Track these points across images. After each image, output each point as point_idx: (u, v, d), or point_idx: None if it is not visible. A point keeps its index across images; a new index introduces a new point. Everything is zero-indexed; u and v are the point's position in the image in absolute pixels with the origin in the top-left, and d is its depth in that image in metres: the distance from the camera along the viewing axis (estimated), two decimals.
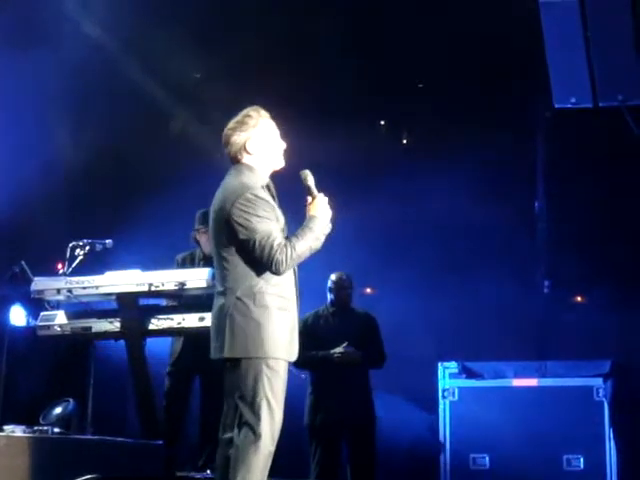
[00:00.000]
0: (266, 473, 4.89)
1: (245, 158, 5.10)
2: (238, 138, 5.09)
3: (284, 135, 5.20)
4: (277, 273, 4.92)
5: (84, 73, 9.43)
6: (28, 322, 7.16)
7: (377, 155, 10.68)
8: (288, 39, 9.63)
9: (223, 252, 5.00)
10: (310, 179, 5.13)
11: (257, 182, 5.03)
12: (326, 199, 5.11)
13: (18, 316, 7.27)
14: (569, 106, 7.99)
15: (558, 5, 7.62)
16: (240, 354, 4.90)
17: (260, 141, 5.09)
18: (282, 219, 5.06)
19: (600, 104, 7.86)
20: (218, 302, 5.01)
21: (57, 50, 9.07)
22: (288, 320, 4.98)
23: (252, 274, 4.94)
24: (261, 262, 4.91)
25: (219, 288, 5.03)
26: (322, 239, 5.05)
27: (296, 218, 5.15)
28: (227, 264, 4.98)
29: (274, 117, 5.18)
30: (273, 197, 5.10)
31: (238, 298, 4.92)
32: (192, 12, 9.38)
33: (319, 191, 5.13)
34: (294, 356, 5.04)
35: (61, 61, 9.06)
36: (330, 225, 5.08)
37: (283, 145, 5.17)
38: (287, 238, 4.97)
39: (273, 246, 4.87)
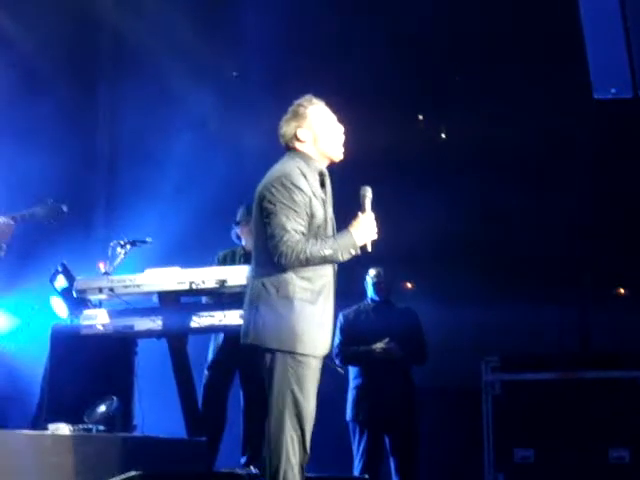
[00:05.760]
0: (295, 462, 4.73)
1: (298, 146, 5.04)
2: (288, 128, 5.05)
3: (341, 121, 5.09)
4: (279, 264, 4.80)
5: None
6: (71, 320, 7.18)
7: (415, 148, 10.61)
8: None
9: (258, 235, 4.96)
10: (368, 196, 5.00)
11: (304, 169, 4.95)
12: (372, 219, 4.97)
13: (60, 309, 7.24)
14: (609, 97, 7.91)
15: None
16: (261, 343, 4.82)
17: (311, 129, 5.03)
18: (320, 212, 4.93)
19: None
20: (249, 285, 4.97)
21: None
22: (315, 314, 4.84)
23: None
24: (270, 249, 4.82)
25: (251, 271, 5.00)
26: (343, 254, 4.87)
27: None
28: (259, 247, 4.94)
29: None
30: (323, 187, 5.01)
31: (263, 284, 4.85)
32: None
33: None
34: (320, 351, 4.88)
35: None
36: (366, 246, 4.91)
37: (340, 130, 5.08)
38: (313, 237, 4.85)
39: (283, 237, 4.78)
